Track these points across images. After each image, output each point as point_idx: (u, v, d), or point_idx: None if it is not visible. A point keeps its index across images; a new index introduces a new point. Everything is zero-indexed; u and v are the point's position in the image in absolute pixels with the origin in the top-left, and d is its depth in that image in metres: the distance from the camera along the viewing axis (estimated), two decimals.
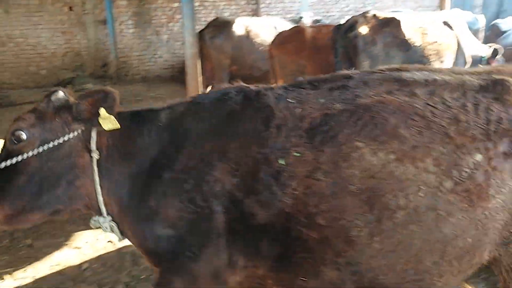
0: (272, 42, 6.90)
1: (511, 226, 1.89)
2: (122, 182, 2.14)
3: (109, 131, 2.13)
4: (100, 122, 2.09)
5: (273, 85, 2.25)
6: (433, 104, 1.92)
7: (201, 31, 8.20)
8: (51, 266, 3.79)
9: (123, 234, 2.25)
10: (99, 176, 2.12)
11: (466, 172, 1.81)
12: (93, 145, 2.12)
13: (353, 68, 4.91)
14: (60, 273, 3.68)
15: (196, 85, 7.21)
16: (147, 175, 2.11)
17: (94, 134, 2.14)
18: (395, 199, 1.83)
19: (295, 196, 1.92)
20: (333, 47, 5.72)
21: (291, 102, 2.07)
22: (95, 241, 4.18)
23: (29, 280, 3.58)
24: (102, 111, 2.08)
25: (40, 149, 2.07)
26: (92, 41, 13.07)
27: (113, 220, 2.19)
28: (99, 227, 2.20)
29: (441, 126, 1.87)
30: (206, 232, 2.02)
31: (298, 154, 1.94)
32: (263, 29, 8.24)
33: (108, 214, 2.18)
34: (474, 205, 1.82)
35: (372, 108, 1.94)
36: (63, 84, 12.46)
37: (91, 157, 2.13)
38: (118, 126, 2.11)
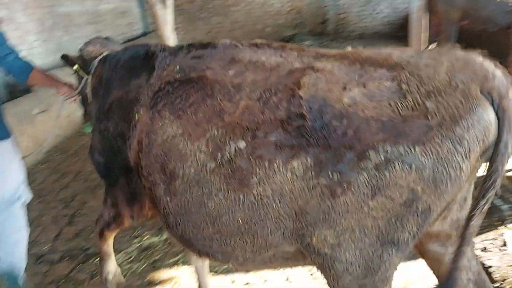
0: None
1: (299, 221, 1.74)
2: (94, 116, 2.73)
3: (93, 77, 2.84)
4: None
5: (169, 46, 2.46)
6: (230, 86, 1.93)
7: None
8: None
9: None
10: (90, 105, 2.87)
11: (227, 156, 1.83)
12: (88, 84, 2.87)
13: None
14: None
15: (419, 42, 6.66)
16: (96, 116, 2.66)
17: (90, 78, 2.87)
18: (176, 168, 1.99)
19: (133, 148, 2.23)
20: None
21: (167, 64, 2.27)
22: None
23: None
24: (75, 66, 2.95)
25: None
26: None
27: None
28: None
29: (223, 110, 1.89)
30: (119, 165, 2.45)
31: (141, 113, 2.19)
32: None
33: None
34: (234, 189, 1.82)
35: (191, 83, 2.05)
36: (284, 41, 13.18)
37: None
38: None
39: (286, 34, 13.47)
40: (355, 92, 1.64)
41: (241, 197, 1.81)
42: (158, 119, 2.08)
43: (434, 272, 2.00)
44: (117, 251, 3.47)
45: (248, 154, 1.77)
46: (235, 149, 1.80)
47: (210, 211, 1.92)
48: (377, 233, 1.63)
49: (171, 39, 8.57)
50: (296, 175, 1.67)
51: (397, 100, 1.58)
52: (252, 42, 2.14)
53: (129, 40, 10.51)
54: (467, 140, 1.52)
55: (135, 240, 3.76)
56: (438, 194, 1.57)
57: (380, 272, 1.69)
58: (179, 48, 2.33)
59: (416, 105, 1.55)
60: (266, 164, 1.72)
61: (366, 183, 1.57)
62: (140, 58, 2.45)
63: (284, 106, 1.73)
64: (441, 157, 1.52)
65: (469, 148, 1.53)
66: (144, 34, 12.39)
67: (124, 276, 3.20)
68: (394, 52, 1.75)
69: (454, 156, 1.53)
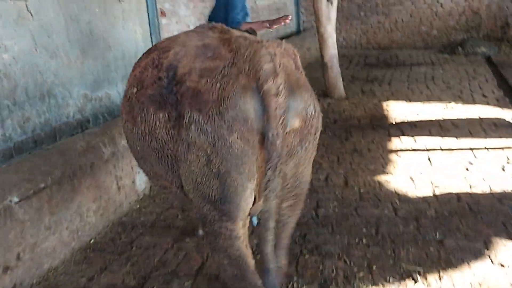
0: None
1: (174, 164, 2.19)
2: None
3: None
4: None
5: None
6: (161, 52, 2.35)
7: None
8: (471, 282, 2.98)
9: None
10: None
11: (128, 98, 2.40)
12: None
13: None
14: None
15: None
16: None
17: None
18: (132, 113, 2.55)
19: None
20: None
21: None
22: None
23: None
24: None
25: None
26: None
27: None
28: None
29: (145, 67, 2.35)
30: None
31: None
32: None
33: None
34: (130, 121, 2.33)
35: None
36: (453, 46, 11.48)
37: None
38: None
39: (456, 38, 11.75)
40: (195, 66, 2.08)
41: (135, 129, 2.29)
42: None
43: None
44: None
45: (136, 99, 2.27)
46: (131, 93, 2.33)
47: (130, 136, 2.43)
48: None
49: (332, 37, 7.66)
50: (161, 123, 2.13)
51: (208, 76, 2.00)
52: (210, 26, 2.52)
53: (281, 38, 9.94)
54: (227, 120, 1.90)
55: None
56: (221, 159, 1.95)
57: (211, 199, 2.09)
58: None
59: (213, 81, 1.97)
60: (145, 110, 2.19)
61: (184, 138, 2.01)
62: None
63: (158, 69, 2.22)
64: (213, 128, 1.92)
65: (231, 126, 1.91)
66: (297, 32, 11.78)
67: None
68: (241, 42, 2.12)
69: (220, 130, 1.92)
